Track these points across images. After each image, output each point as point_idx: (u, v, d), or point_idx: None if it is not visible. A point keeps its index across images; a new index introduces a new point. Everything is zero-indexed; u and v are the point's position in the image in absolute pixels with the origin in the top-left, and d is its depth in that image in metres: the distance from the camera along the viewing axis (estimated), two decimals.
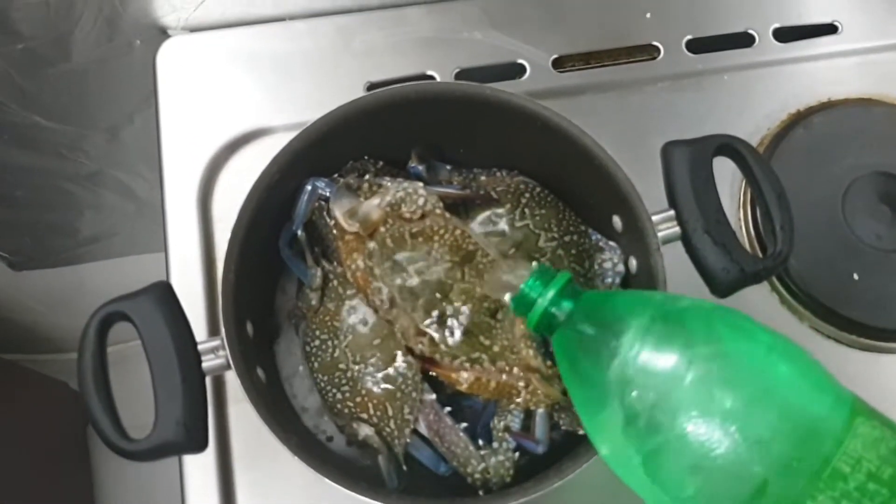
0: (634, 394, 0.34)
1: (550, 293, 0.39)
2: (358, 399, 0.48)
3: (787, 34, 0.66)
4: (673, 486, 0.33)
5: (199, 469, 0.54)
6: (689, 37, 0.65)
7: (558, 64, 0.64)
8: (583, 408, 0.38)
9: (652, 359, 0.34)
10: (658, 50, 0.65)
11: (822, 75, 0.65)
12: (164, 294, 0.44)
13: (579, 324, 0.38)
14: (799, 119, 0.62)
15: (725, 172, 0.52)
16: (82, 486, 1.16)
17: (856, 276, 0.58)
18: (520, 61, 0.64)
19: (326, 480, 0.42)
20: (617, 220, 0.50)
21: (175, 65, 0.64)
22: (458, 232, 0.48)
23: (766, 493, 0.31)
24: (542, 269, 0.40)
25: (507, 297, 0.41)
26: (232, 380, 0.56)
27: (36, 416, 1.09)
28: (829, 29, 0.66)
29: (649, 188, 0.47)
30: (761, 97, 0.64)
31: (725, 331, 0.35)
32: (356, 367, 0.48)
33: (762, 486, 0.31)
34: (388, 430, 0.48)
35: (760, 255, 0.59)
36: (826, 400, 0.33)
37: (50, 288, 1.06)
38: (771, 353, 0.34)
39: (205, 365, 0.44)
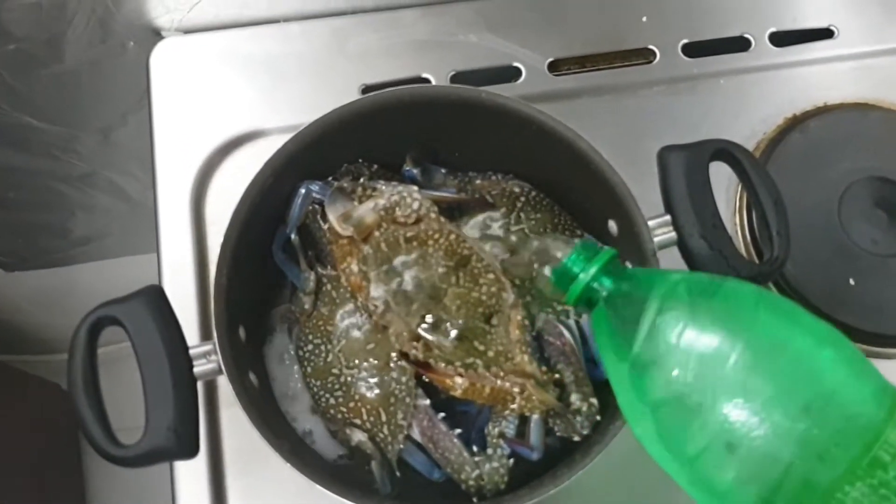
0: (675, 373, 0.33)
1: (593, 269, 0.39)
2: (351, 404, 0.48)
3: (782, 38, 0.65)
4: (708, 467, 0.33)
5: (191, 474, 0.54)
6: (685, 41, 0.65)
7: (554, 67, 0.64)
8: (619, 385, 0.37)
9: (695, 339, 0.34)
10: (654, 54, 0.65)
11: (818, 80, 0.65)
12: (155, 298, 0.44)
13: (621, 301, 0.38)
14: (795, 123, 0.62)
15: (721, 177, 0.52)
16: (74, 487, 1.15)
17: (852, 282, 0.58)
18: (515, 64, 0.63)
19: (319, 487, 0.42)
20: (612, 225, 0.49)
21: (169, 66, 0.63)
22: (452, 236, 0.48)
23: (805, 479, 0.31)
24: (585, 244, 0.41)
25: (547, 271, 0.41)
26: (224, 384, 0.55)
27: (28, 418, 1.08)
28: (825, 33, 0.66)
29: (645, 192, 0.47)
30: (757, 101, 0.64)
31: (770, 315, 0.34)
32: (349, 372, 0.48)
33: (801, 471, 0.31)
34: (381, 435, 0.47)
35: (756, 260, 0.59)
36: (868, 388, 0.32)
37: (42, 289, 1.06)
38: (815, 339, 0.34)
39: (196, 370, 0.43)
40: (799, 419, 0.31)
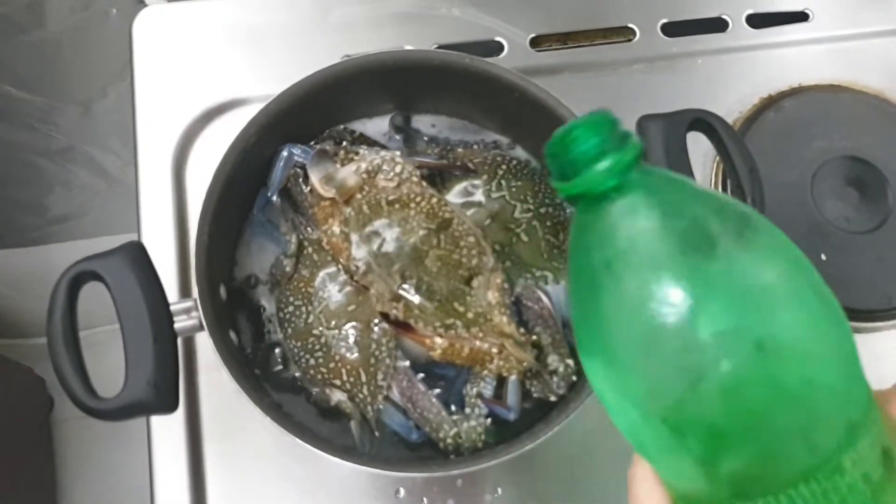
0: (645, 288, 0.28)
1: (629, 157, 0.30)
2: (331, 365, 0.48)
3: (759, 20, 0.67)
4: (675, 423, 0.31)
5: (168, 439, 0.53)
6: (664, 20, 0.66)
7: (536, 43, 0.64)
8: (580, 309, 0.31)
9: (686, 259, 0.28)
10: (634, 32, 0.65)
11: (792, 61, 0.66)
12: (136, 254, 0.44)
13: (630, 201, 0.30)
14: (770, 103, 0.64)
15: (697, 154, 0.52)
16: (45, 471, 1.13)
17: (823, 257, 0.59)
18: (498, 39, 0.64)
19: (297, 449, 0.42)
20: None
21: (151, 34, 0.63)
22: (434, 200, 0.48)
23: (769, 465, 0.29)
24: (602, 116, 0.31)
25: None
26: (203, 349, 0.55)
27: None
28: (801, 17, 0.67)
29: None
30: (734, 81, 0.65)
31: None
32: (330, 333, 0.48)
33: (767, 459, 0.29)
34: (360, 396, 0.48)
35: None
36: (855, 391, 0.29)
37: (16, 269, 1.04)
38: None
39: (177, 325, 0.43)
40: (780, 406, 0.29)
